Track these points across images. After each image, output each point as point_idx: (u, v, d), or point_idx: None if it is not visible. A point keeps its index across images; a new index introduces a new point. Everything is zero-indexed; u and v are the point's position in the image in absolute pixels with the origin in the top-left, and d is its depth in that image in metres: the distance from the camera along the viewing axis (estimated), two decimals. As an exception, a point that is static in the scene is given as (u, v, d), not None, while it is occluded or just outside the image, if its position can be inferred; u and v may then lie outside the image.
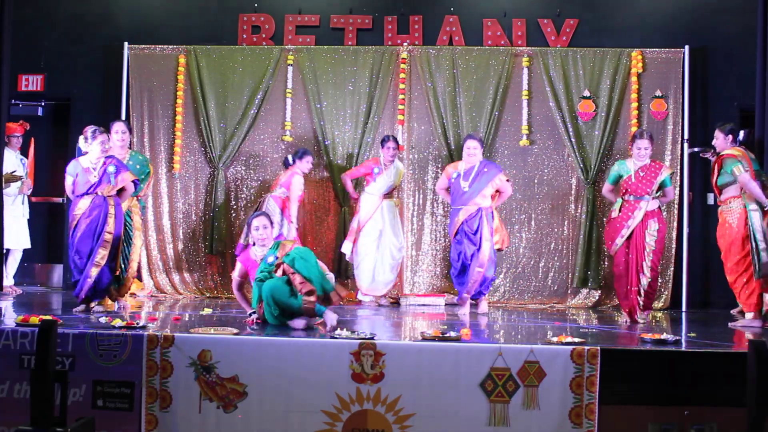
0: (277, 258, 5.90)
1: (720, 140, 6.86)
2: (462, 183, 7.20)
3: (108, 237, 6.39)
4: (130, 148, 7.30)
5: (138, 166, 7.07)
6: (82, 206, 6.43)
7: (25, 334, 5.02)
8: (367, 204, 8.00)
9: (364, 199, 8.03)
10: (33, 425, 4.13)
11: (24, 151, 8.44)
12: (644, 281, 6.61)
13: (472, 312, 7.17)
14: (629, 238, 6.64)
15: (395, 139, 8.05)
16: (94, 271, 6.34)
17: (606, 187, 7.05)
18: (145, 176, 7.21)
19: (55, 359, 4.47)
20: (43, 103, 9.07)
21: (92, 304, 6.42)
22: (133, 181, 6.66)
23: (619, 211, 6.74)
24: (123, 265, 6.82)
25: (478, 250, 7.06)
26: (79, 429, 4.28)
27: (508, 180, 7.40)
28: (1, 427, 4.81)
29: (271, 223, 6.19)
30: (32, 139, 8.52)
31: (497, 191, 7.31)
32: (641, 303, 6.64)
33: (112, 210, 6.44)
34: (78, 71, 8.90)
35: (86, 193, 6.44)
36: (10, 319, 5.69)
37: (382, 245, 8.00)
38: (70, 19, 8.98)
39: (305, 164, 8.01)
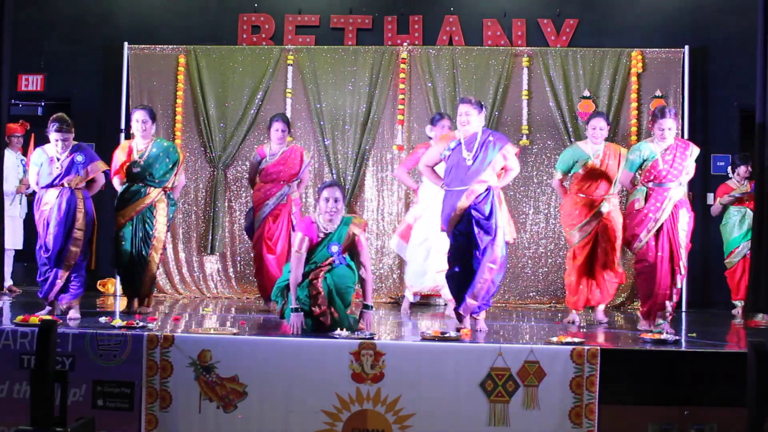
0: (340, 246, 5.40)
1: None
2: (465, 153, 5.75)
3: (78, 234, 5.95)
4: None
5: (161, 154, 6.50)
6: (48, 200, 5.98)
7: (25, 334, 5.02)
8: (425, 193, 7.00)
9: (421, 190, 7.12)
10: (33, 425, 4.13)
11: (24, 151, 8.43)
12: (679, 280, 5.93)
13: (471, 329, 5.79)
14: (657, 232, 5.91)
15: (450, 117, 7.02)
16: (63, 273, 5.95)
17: (627, 176, 6.16)
18: (173, 165, 6.56)
19: (55, 359, 4.48)
20: (43, 103, 9.06)
21: (63, 306, 6.02)
22: (104, 172, 6.18)
23: (645, 201, 5.96)
24: (141, 267, 6.42)
25: (493, 241, 5.66)
26: (79, 429, 4.29)
27: (517, 155, 6.13)
28: (1, 427, 4.81)
29: (343, 196, 5.55)
30: (33, 135, 8.50)
31: (503, 169, 5.92)
32: (669, 308, 5.94)
33: (81, 204, 5.99)
34: (78, 71, 8.90)
35: (51, 185, 5.98)
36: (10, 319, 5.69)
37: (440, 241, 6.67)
38: (70, 19, 8.98)
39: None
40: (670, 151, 5.92)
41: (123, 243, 6.44)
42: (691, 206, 6.08)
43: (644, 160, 5.98)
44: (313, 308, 5.40)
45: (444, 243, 6.15)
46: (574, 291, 6.58)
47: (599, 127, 6.53)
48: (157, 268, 6.62)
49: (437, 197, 6.20)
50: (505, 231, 5.85)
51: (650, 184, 5.96)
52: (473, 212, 5.68)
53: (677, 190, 5.93)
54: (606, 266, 6.50)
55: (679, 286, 5.97)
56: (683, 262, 5.92)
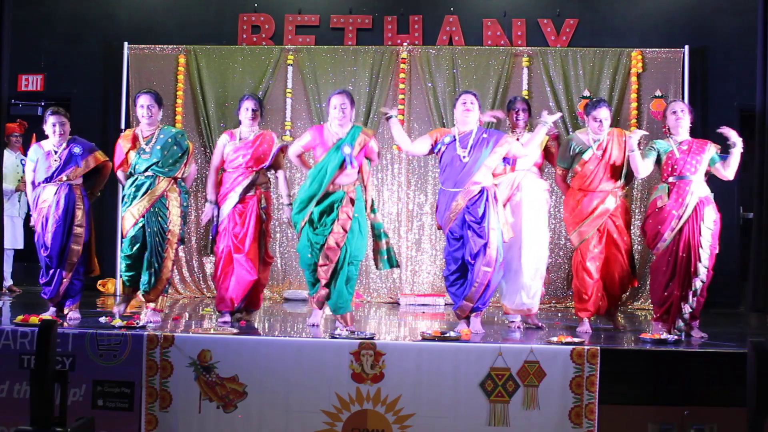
0: (352, 147, 5.73)
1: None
2: (459, 150, 5.71)
3: (79, 231, 5.82)
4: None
5: (170, 140, 5.97)
6: (46, 197, 5.84)
7: (25, 334, 5.03)
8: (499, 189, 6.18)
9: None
10: (33, 425, 4.13)
11: (25, 151, 8.42)
12: (698, 284, 5.56)
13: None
14: (678, 231, 5.58)
15: (525, 101, 6.49)
16: (68, 271, 5.84)
17: (644, 163, 5.76)
18: (183, 153, 6.02)
19: (55, 359, 4.48)
20: (43, 103, 9.06)
21: (65, 310, 5.91)
22: (104, 162, 5.98)
23: (667, 197, 5.63)
24: (157, 265, 5.90)
25: (486, 243, 5.59)
26: (79, 429, 4.29)
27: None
28: (1, 427, 4.81)
29: (351, 102, 5.85)
30: (34, 135, 8.49)
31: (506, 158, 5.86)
32: (686, 312, 5.62)
33: (80, 202, 5.86)
34: (78, 71, 8.90)
35: (49, 180, 5.84)
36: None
37: (518, 242, 6.11)
38: (70, 18, 8.98)
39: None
40: (686, 143, 5.71)
41: (137, 243, 5.88)
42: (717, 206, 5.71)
43: (659, 153, 5.73)
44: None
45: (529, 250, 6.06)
46: (585, 296, 5.98)
47: (602, 118, 5.97)
48: (173, 263, 6.07)
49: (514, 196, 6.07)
50: (502, 231, 5.73)
51: (671, 179, 5.68)
52: (466, 215, 5.65)
53: (699, 186, 5.61)
54: (618, 268, 5.99)
55: (695, 288, 5.58)
56: (702, 264, 5.54)
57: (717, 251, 5.68)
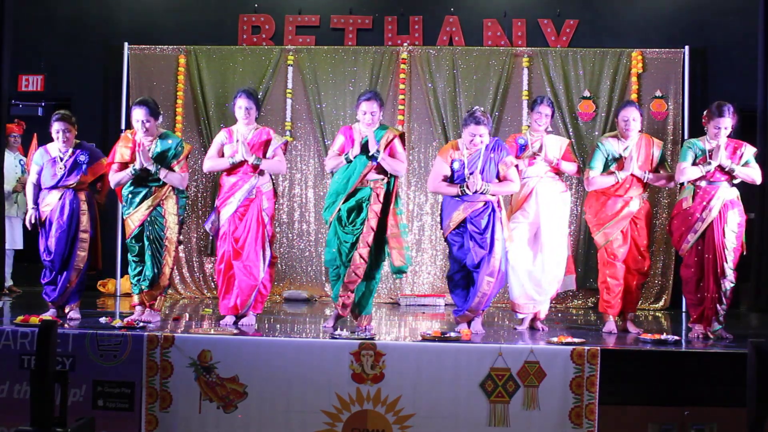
0: (378, 143, 5.75)
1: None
2: (467, 178, 5.70)
3: (84, 236, 5.91)
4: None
5: (164, 152, 5.90)
6: (50, 201, 5.90)
7: (25, 335, 5.04)
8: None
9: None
10: (33, 425, 4.14)
11: (25, 152, 8.42)
12: (727, 285, 5.58)
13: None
14: (703, 234, 5.61)
15: (550, 102, 6.26)
16: (74, 276, 5.92)
17: (686, 164, 5.70)
18: (173, 157, 5.91)
19: (55, 359, 4.49)
20: (43, 103, 9.05)
21: (66, 309, 5.97)
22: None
23: (692, 200, 5.67)
24: (154, 271, 5.88)
25: (489, 253, 5.62)
26: (79, 429, 4.30)
27: (517, 166, 5.96)
28: (1, 427, 4.82)
29: (380, 107, 5.90)
30: (35, 136, 8.49)
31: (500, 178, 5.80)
32: (721, 314, 5.63)
33: (84, 206, 5.93)
34: (78, 71, 8.89)
35: (54, 187, 5.91)
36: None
37: (536, 245, 6.09)
38: (70, 19, 8.97)
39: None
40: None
41: (137, 248, 5.92)
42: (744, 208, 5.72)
43: (695, 154, 5.69)
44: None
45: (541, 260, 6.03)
46: (612, 293, 5.97)
47: (632, 118, 5.90)
48: (171, 270, 6.06)
49: (533, 198, 6.02)
50: (505, 237, 5.72)
51: (699, 183, 5.67)
52: (469, 225, 5.68)
53: (728, 190, 5.64)
54: (638, 269, 6.00)
55: (725, 289, 5.59)
56: (728, 265, 5.56)
57: (742, 252, 5.69)
